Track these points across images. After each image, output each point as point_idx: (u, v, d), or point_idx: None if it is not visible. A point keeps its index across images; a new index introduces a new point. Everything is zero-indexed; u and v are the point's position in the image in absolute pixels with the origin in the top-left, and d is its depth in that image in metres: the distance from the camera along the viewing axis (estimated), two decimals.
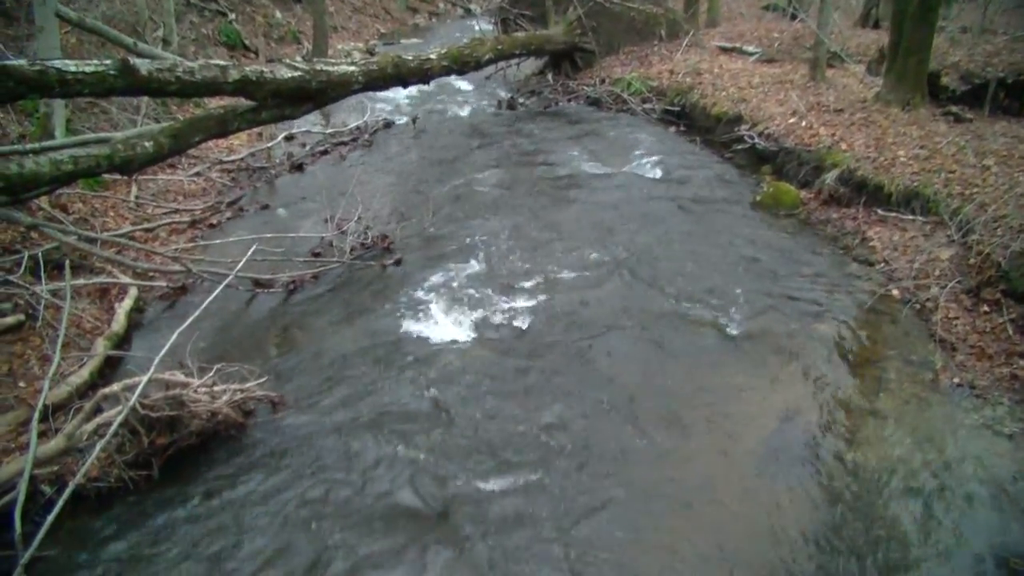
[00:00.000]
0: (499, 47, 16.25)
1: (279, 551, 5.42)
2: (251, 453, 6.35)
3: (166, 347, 6.01)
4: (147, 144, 8.35)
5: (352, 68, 11.45)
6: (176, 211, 10.81)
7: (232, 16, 19.85)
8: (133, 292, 8.59)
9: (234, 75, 9.04)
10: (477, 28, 21.38)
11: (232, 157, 13.06)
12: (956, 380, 7.26)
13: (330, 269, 9.28)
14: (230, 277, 7.50)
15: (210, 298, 6.86)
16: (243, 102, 9.75)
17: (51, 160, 7.46)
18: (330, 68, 10.89)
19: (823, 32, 14.61)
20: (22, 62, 7.13)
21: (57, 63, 7.27)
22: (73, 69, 7.32)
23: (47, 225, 8.08)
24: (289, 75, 9.88)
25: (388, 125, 15.64)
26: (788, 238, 10.18)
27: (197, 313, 6.53)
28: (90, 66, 7.50)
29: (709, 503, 5.89)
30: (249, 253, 7.77)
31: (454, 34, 25.11)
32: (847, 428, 6.69)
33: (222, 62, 9.31)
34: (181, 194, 11.63)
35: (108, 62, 7.68)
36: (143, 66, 7.99)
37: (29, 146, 8.21)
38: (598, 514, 5.72)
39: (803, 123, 12.65)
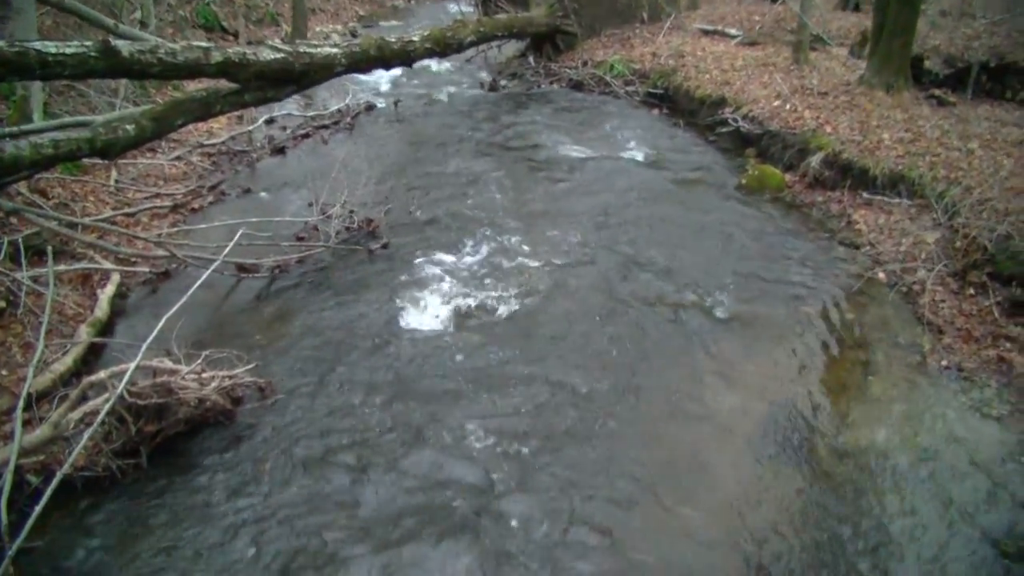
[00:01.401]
0: (481, 29, 16.10)
1: (269, 539, 5.38)
2: (240, 440, 6.29)
3: (153, 334, 5.93)
4: (129, 127, 8.21)
5: (335, 50, 11.30)
6: (157, 195, 10.66)
7: None
8: (116, 278, 8.47)
9: (217, 57, 8.89)
10: (458, 10, 21.21)
11: (213, 141, 12.89)
12: (944, 363, 7.30)
13: (316, 253, 9.18)
14: (217, 262, 7.42)
15: (196, 284, 6.79)
16: (225, 84, 9.61)
17: (31, 144, 7.31)
18: (313, 50, 10.76)
19: (806, 15, 14.58)
20: (1, 43, 6.98)
21: (37, 44, 7.13)
22: (53, 50, 7.18)
23: (28, 210, 7.94)
24: (272, 57, 9.75)
25: (370, 108, 15.47)
26: (774, 221, 10.17)
27: (184, 299, 6.45)
28: (71, 47, 7.36)
29: (699, 487, 5.90)
30: (236, 238, 7.67)
31: (434, 16, 24.87)
32: (837, 411, 6.72)
33: (204, 44, 9.19)
34: (162, 178, 11.48)
35: (89, 44, 7.55)
36: (124, 48, 7.84)
37: (7, 130, 8.07)
38: (587, 502, 5.72)
39: (787, 106, 12.63)
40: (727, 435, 6.42)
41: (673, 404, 6.75)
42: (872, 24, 13.32)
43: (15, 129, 8.16)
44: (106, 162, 10.35)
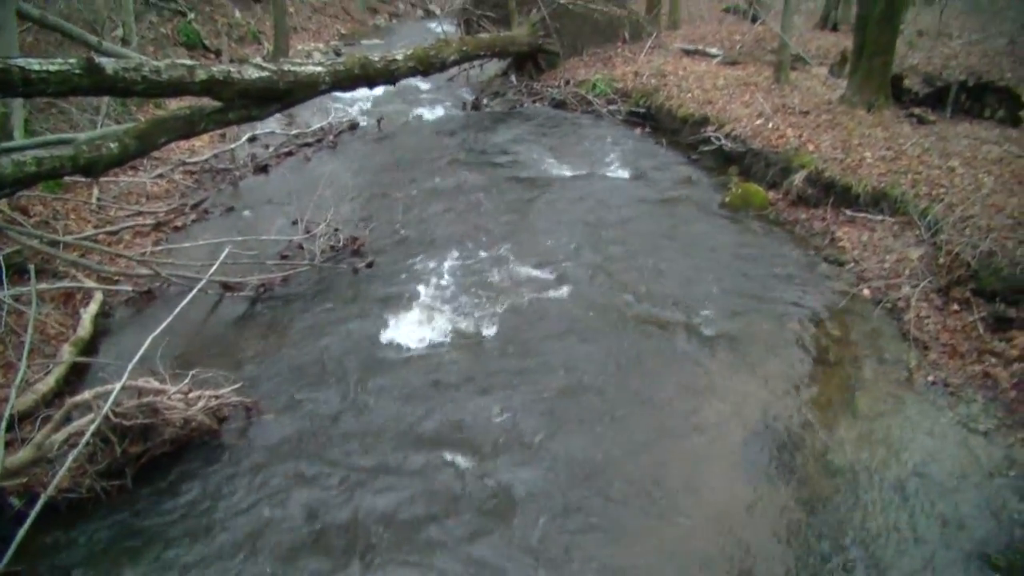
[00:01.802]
0: (464, 48, 16.15)
1: (255, 561, 5.31)
2: (226, 461, 6.22)
3: (139, 354, 5.84)
4: (112, 145, 8.16)
5: (319, 69, 11.31)
6: (140, 213, 10.59)
7: (191, 16, 19.58)
8: (99, 297, 8.39)
9: (201, 75, 8.87)
10: (440, 29, 21.25)
11: (195, 159, 12.82)
12: (931, 378, 7.32)
13: (300, 272, 9.13)
14: (203, 281, 7.35)
15: (183, 302, 6.70)
16: (209, 102, 9.57)
17: (13, 161, 7.26)
18: (297, 68, 10.75)
19: (787, 35, 14.70)
20: None
21: (20, 61, 7.08)
22: (37, 67, 7.14)
23: (10, 228, 7.86)
24: (256, 75, 9.73)
25: (353, 127, 15.45)
26: (758, 239, 10.20)
27: (170, 319, 6.37)
28: (54, 64, 7.32)
29: (686, 505, 5.86)
30: (222, 257, 7.60)
31: (414, 36, 24.95)
32: (825, 427, 6.71)
33: (189, 62, 9.14)
34: (144, 196, 11.40)
35: (73, 61, 7.51)
36: (109, 65, 7.81)
37: None
38: (574, 519, 5.68)
39: (770, 124, 12.69)
40: (715, 452, 6.41)
41: (661, 421, 6.73)
42: (853, 44, 13.45)
43: None
44: (88, 180, 10.27)
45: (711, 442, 6.52)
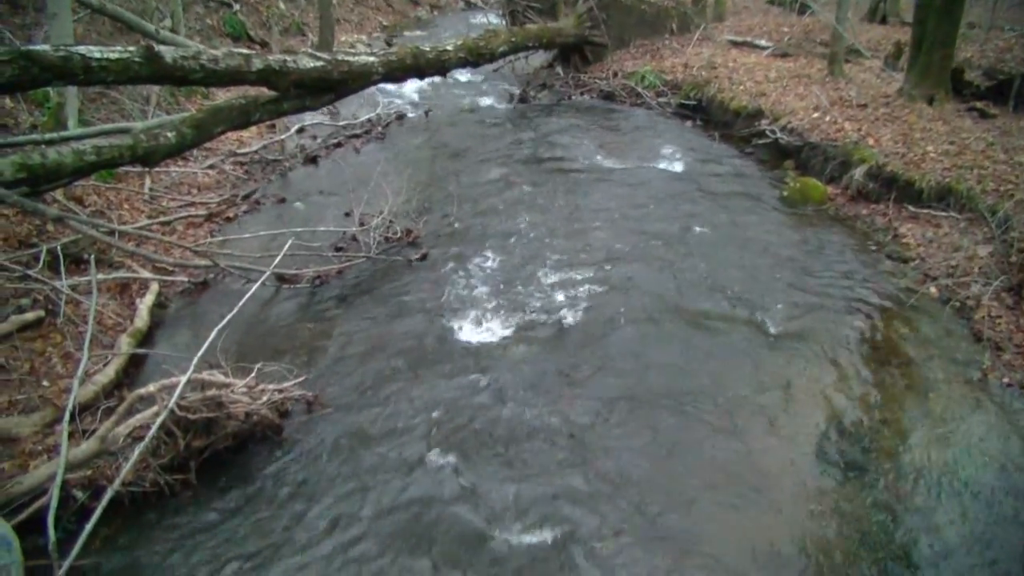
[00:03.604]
0: (513, 39, 16.03)
1: (320, 557, 5.21)
2: (288, 455, 6.13)
3: (204, 347, 5.75)
4: (169, 135, 8.12)
5: (372, 59, 11.22)
6: (192, 204, 10.54)
7: (237, 7, 19.52)
8: (155, 287, 8.32)
9: (257, 64, 8.80)
10: (486, 21, 21.19)
11: (245, 150, 12.77)
12: (1006, 380, 7.09)
13: (356, 264, 9.01)
14: (267, 274, 7.27)
15: (248, 294, 6.62)
16: (263, 92, 9.49)
17: (74, 151, 7.24)
18: (351, 59, 10.68)
19: (842, 26, 14.42)
20: (46, 48, 6.91)
21: (81, 49, 7.04)
22: (98, 56, 7.10)
23: (72, 217, 7.79)
24: (311, 65, 9.65)
25: (401, 118, 15.37)
26: (818, 234, 9.98)
27: (235, 311, 6.28)
28: (114, 53, 7.28)
29: (760, 505, 5.69)
30: (285, 248, 7.52)
31: (456, 27, 24.82)
32: (897, 428, 6.52)
33: (245, 51, 9.12)
34: (195, 187, 11.35)
35: (133, 49, 7.46)
36: (168, 53, 7.75)
37: (48, 136, 7.99)
38: (647, 520, 5.51)
39: (827, 118, 12.45)
40: (785, 450, 6.22)
41: (729, 419, 6.54)
42: (911, 36, 13.17)
43: (55, 135, 8.09)
44: (139, 170, 10.23)
45: (782, 441, 6.33)
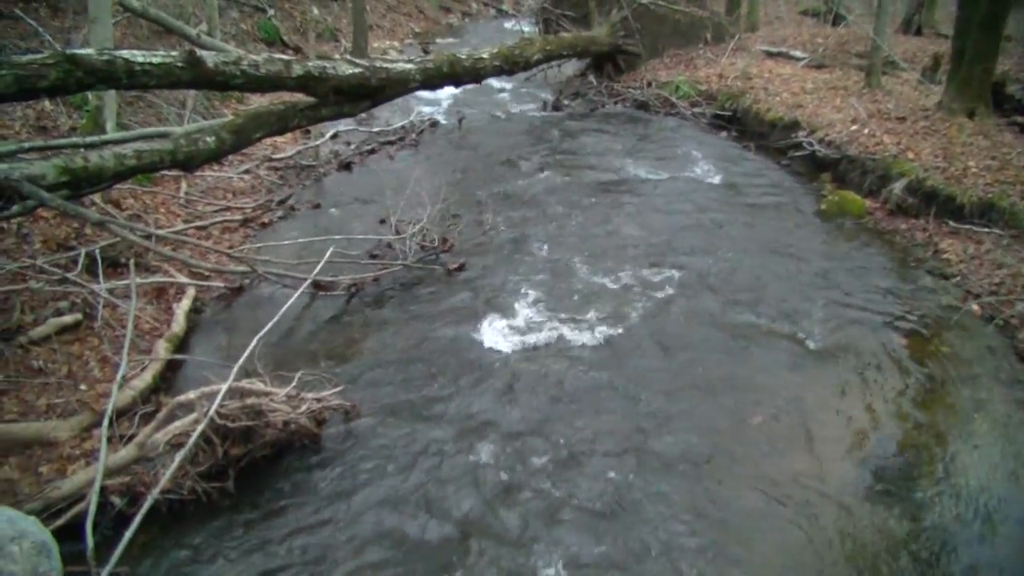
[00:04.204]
0: (547, 48, 16.01)
1: (363, 569, 5.15)
2: (326, 465, 6.06)
3: (245, 354, 5.74)
4: (209, 139, 8.13)
5: (410, 66, 11.22)
6: (227, 208, 10.54)
7: (271, 12, 19.64)
8: (191, 292, 8.30)
9: (297, 70, 8.80)
10: (517, 28, 21.16)
11: (280, 155, 12.78)
12: None
13: (391, 272, 8.95)
14: (308, 281, 7.23)
15: (288, 303, 6.58)
16: (302, 98, 9.49)
17: (115, 154, 7.24)
18: (389, 65, 10.69)
19: (880, 38, 14.28)
20: (90, 52, 6.93)
21: (125, 53, 7.06)
22: (141, 60, 7.12)
23: (113, 221, 7.79)
24: (350, 71, 9.65)
25: (434, 125, 15.38)
26: (857, 248, 9.86)
27: (275, 320, 6.24)
28: (157, 57, 7.29)
29: (798, 528, 5.56)
30: (327, 256, 7.48)
31: (488, 34, 24.87)
32: (943, 450, 6.38)
33: (284, 57, 9.16)
34: (230, 191, 11.36)
35: (175, 54, 7.49)
36: (210, 59, 7.76)
37: (89, 139, 8.01)
38: (683, 540, 5.41)
39: (865, 130, 12.30)
40: (827, 471, 6.08)
41: (770, 437, 6.43)
42: (951, 49, 13.02)
43: (96, 139, 8.09)
44: (174, 174, 10.26)
45: (823, 461, 6.19)
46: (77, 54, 6.75)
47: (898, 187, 10.72)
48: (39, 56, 6.70)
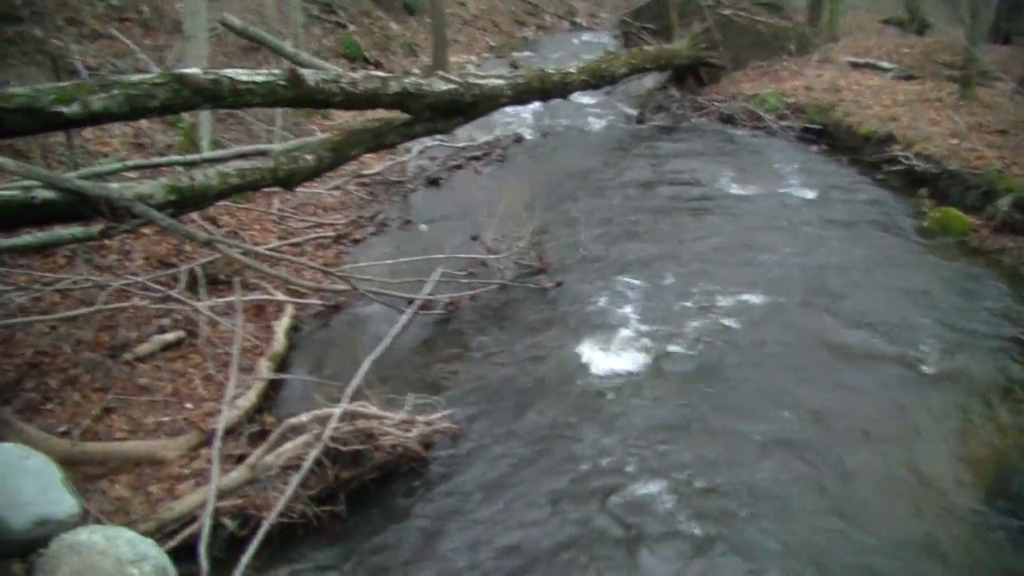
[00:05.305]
0: (632, 61, 15.92)
1: None
2: (436, 489, 5.96)
3: (358, 377, 5.71)
4: (308, 157, 8.15)
5: (501, 82, 11.22)
6: (319, 225, 10.57)
7: (351, 28, 19.79)
8: (290, 310, 8.28)
9: (394, 87, 8.79)
10: (592, 41, 21.06)
11: (368, 171, 12.79)
12: None
13: (488, 291, 8.86)
14: (416, 304, 7.14)
15: (398, 325, 6.51)
16: (397, 115, 9.47)
17: (219, 173, 7.30)
18: (482, 82, 10.69)
19: (975, 48, 13.87)
20: (197, 71, 7.00)
21: (229, 72, 7.12)
22: (245, 79, 7.16)
23: (221, 240, 7.80)
24: (444, 88, 9.62)
25: (519, 140, 15.30)
26: (963, 268, 9.49)
27: (388, 340, 6.17)
28: (261, 76, 7.33)
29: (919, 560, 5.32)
30: (435, 276, 7.41)
31: (563, 47, 24.75)
32: None
33: (382, 74, 9.18)
34: (320, 207, 11.40)
35: (277, 72, 7.53)
36: (310, 77, 7.78)
37: (190, 157, 8.09)
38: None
39: (965, 144, 11.91)
40: (949, 507, 5.78)
41: (887, 469, 6.13)
42: None
43: (197, 157, 8.16)
44: (266, 191, 10.29)
45: (942, 495, 5.91)
46: (185, 74, 6.80)
47: (1005, 203, 10.33)
48: (148, 76, 6.78)
